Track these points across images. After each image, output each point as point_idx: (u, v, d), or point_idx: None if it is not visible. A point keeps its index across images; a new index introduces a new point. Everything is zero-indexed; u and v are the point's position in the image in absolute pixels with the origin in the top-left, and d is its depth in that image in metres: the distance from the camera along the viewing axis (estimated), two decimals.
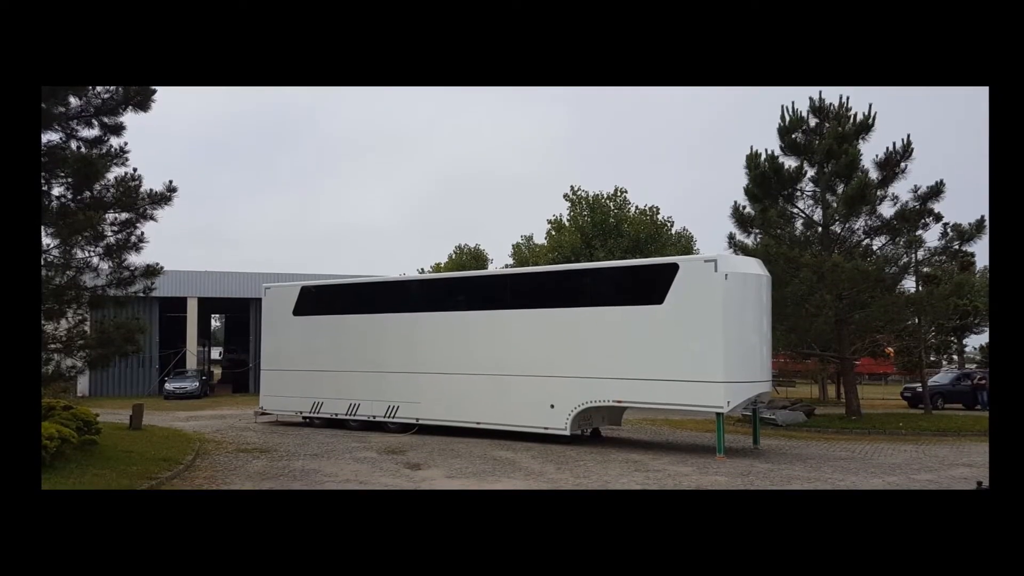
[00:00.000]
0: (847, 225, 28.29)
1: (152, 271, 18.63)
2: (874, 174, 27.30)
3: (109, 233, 17.99)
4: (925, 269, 30.66)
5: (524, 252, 62.53)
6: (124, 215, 18.11)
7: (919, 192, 26.98)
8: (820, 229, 28.56)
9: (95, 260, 18.20)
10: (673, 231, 49.96)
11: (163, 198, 18.18)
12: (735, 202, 28.92)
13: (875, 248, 28.56)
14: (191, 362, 50.37)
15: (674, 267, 19.94)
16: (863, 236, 28.46)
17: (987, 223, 25.58)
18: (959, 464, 18.38)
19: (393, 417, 24.49)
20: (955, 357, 56.00)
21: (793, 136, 28.45)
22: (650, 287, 20.19)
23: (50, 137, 17.19)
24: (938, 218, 27.19)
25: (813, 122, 28.48)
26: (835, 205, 27.80)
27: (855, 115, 27.94)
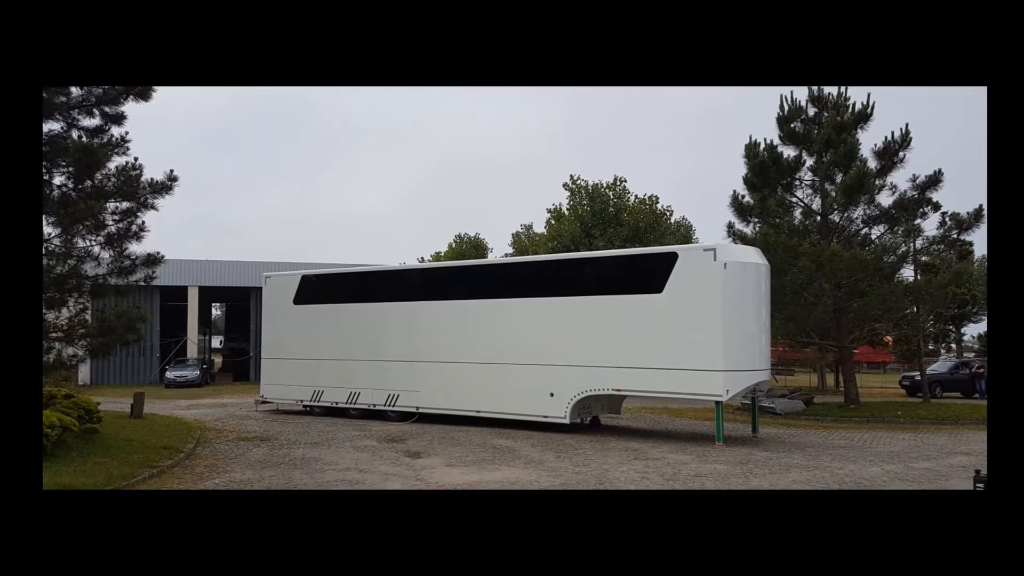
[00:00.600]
0: (846, 214, 28.32)
1: (153, 260, 18.66)
2: (873, 163, 27.34)
3: (110, 222, 18.00)
4: (923, 258, 30.70)
5: (524, 241, 62.73)
6: (125, 204, 18.12)
7: (917, 181, 26.99)
8: (819, 218, 28.59)
9: (96, 249, 18.21)
10: (672, 220, 49.99)
11: (164, 187, 18.20)
12: (734, 191, 29.03)
13: (874, 237, 28.60)
14: (192, 351, 50.47)
15: (673, 256, 19.99)
16: (862, 225, 28.51)
17: (985, 212, 25.60)
18: (957, 452, 18.46)
19: (393, 406, 24.57)
20: (953, 346, 56.11)
21: (792, 125, 28.48)
22: (649, 276, 20.24)
23: (51, 126, 17.22)
24: (936, 207, 27.20)
25: (812, 112, 28.51)
26: (834, 194, 27.82)
27: (854, 105, 27.97)
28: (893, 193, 27.51)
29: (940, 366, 41.42)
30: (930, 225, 27.80)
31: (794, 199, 29.02)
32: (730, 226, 29.13)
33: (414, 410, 24.24)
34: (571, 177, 48.79)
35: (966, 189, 27.80)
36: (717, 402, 19.52)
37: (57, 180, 17.56)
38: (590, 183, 47.87)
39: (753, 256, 20.33)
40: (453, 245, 70.70)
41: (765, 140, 28.35)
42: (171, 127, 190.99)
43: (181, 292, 48.66)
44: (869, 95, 27.91)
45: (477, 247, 69.05)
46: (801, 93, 28.60)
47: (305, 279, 27.50)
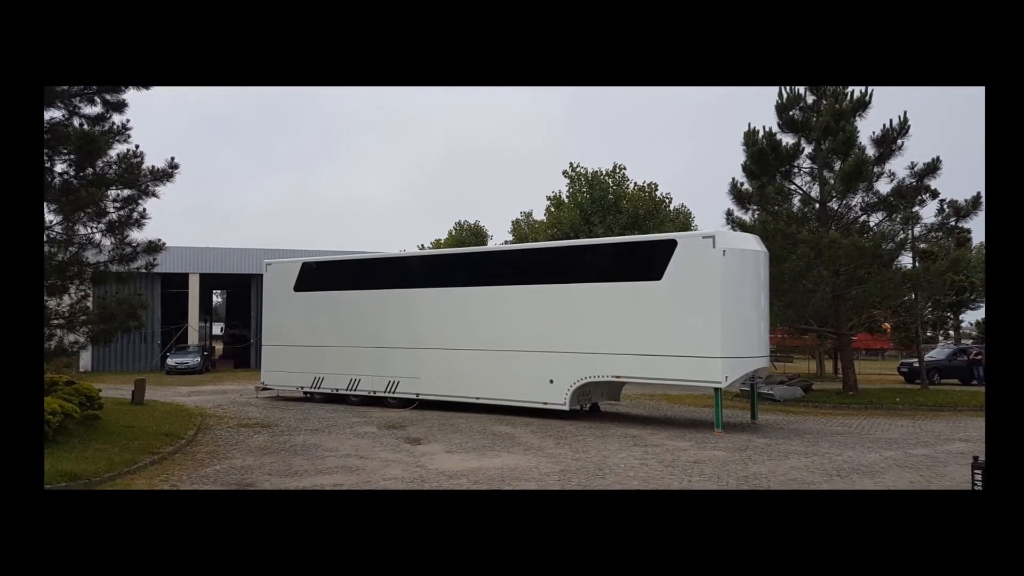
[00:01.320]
0: (844, 201, 28.34)
1: (154, 247, 18.70)
2: (871, 151, 27.36)
3: (111, 209, 18.04)
4: (922, 245, 30.79)
5: (523, 228, 62.70)
6: (126, 191, 18.15)
7: (916, 169, 27.04)
8: (817, 205, 28.63)
9: (97, 236, 18.26)
10: (671, 207, 50.03)
11: (165, 174, 18.23)
12: (733, 179, 29.05)
13: (872, 224, 28.63)
14: (193, 338, 50.53)
15: (672, 243, 20.04)
16: (860, 212, 28.52)
17: (983, 200, 25.64)
18: (955, 439, 18.53)
19: (393, 392, 24.66)
20: (951, 332, 56.20)
21: (791, 113, 28.51)
22: (648, 263, 20.30)
23: (53, 114, 17.26)
24: (934, 194, 27.28)
25: (811, 99, 28.54)
26: (832, 182, 27.84)
27: (852, 92, 27.98)
28: (891, 180, 27.58)
29: (938, 353, 41.49)
30: (928, 212, 27.91)
31: (793, 186, 29.06)
32: (729, 213, 29.18)
33: (414, 397, 24.34)
34: (571, 165, 48.92)
35: (964, 176, 27.86)
36: (716, 389, 19.61)
37: (58, 168, 17.62)
38: (589, 171, 47.93)
39: (752, 243, 20.38)
40: (453, 232, 70.70)
41: (764, 128, 28.42)
42: (172, 115, 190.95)
43: (182, 279, 48.67)
44: None
45: (477, 234, 69.05)
46: None
47: (306, 266, 27.54)
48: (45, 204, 16.46)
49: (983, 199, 25.69)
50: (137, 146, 18.08)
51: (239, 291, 59.24)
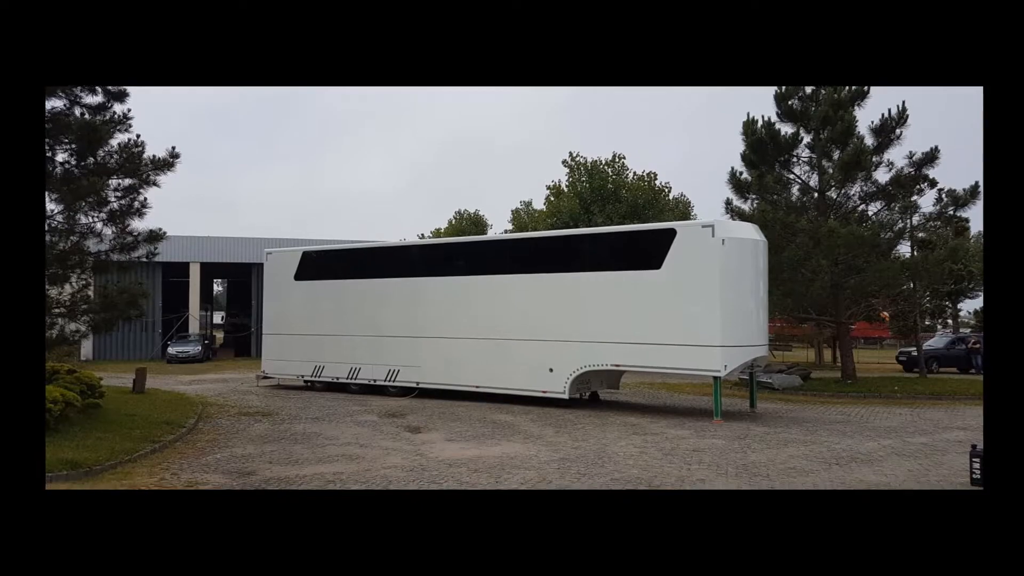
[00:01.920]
0: (843, 191, 28.35)
1: (155, 236, 18.71)
2: (869, 140, 27.35)
3: (112, 199, 18.07)
4: (920, 234, 30.75)
5: (523, 218, 62.69)
6: (127, 181, 18.17)
7: (914, 158, 27.07)
8: (816, 195, 28.64)
9: (99, 225, 18.27)
10: (671, 197, 50.10)
11: (166, 164, 18.24)
12: (732, 168, 29.07)
13: (871, 213, 28.64)
14: (194, 326, 50.63)
15: (672, 232, 20.09)
16: (859, 202, 28.53)
17: (981, 189, 25.66)
18: (953, 427, 18.60)
19: (393, 381, 24.73)
20: (950, 321, 56.32)
21: (789, 103, 28.50)
22: (648, 252, 20.35)
23: (54, 103, 17.26)
24: (933, 184, 27.28)
25: (809, 89, 28.52)
26: (831, 171, 27.84)
27: None
28: (890, 170, 27.56)
29: (936, 341, 41.59)
30: (927, 202, 27.96)
31: (791, 176, 29.07)
32: (728, 203, 29.21)
33: (414, 385, 24.40)
34: (570, 154, 48.96)
35: (962, 166, 27.84)
36: (715, 377, 19.66)
37: (60, 157, 17.63)
38: (589, 160, 47.98)
39: (751, 232, 20.43)
40: (453, 222, 70.73)
41: (763, 117, 28.43)
42: (172, 106, 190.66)
43: (183, 268, 48.78)
44: None
45: (477, 224, 69.06)
46: None
47: (306, 255, 27.60)
48: (46, 193, 16.49)
49: (981, 188, 25.72)
50: (138, 135, 18.10)
51: (240, 280, 59.21)
